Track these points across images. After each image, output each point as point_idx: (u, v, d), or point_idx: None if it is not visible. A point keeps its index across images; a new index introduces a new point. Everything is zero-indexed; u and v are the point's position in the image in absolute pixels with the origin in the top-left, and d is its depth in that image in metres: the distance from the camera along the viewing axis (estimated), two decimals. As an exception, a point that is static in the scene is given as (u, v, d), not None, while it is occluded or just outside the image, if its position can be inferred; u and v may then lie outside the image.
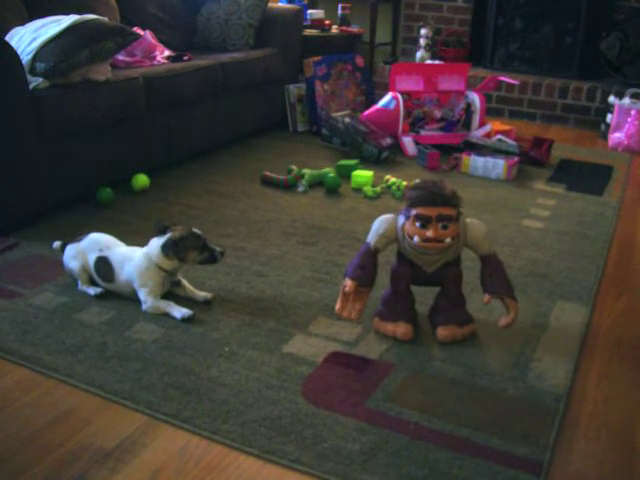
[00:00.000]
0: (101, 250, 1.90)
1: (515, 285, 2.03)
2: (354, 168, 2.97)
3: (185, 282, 1.92)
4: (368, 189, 2.79)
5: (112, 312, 1.82)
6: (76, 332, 1.72)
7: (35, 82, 2.33)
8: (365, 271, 1.67)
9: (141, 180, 2.72)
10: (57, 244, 2.02)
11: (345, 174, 2.98)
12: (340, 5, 4.71)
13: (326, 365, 1.61)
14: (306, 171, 2.91)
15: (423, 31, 4.51)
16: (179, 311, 1.79)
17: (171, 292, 1.90)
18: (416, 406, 1.47)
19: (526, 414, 1.45)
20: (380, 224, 1.69)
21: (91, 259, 1.90)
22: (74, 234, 2.29)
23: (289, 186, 2.85)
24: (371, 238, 1.70)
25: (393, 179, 2.89)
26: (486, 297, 1.66)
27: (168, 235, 1.82)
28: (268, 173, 2.91)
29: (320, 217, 2.55)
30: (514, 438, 1.37)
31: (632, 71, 4.11)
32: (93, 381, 1.53)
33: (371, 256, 1.69)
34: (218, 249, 1.87)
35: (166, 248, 1.80)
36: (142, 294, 1.82)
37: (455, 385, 1.55)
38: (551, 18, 4.33)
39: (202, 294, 1.90)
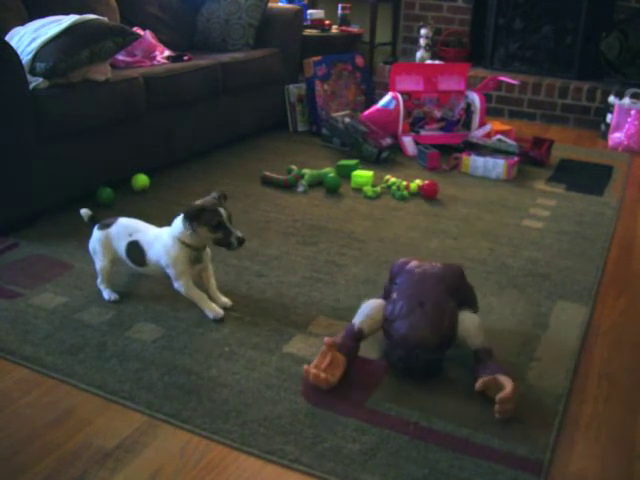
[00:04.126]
0: (131, 235, 1.86)
1: (515, 285, 2.04)
2: (354, 168, 2.97)
3: (213, 281, 1.88)
4: (368, 189, 2.79)
5: (112, 312, 1.82)
6: (76, 332, 1.72)
7: (35, 82, 2.33)
8: (344, 341, 1.57)
9: (141, 180, 2.72)
10: (86, 213, 1.94)
11: (345, 174, 2.98)
12: (340, 5, 4.72)
13: (326, 365, 1.61)
14: (306, 171, 2.91)
15: (423, 31, 4.51)
16: (212, 311, 1.79)
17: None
18: (416, 406, 1.47)
19: (526, 414, 1.45)
20: (367, 306, 1.64)
21: (122, 246, 1.86)
22: (74, 234, 2.30)
23: (289, 186, 2.85)
24: (356, 319, 1.62)
25: (393, 179, 2.89)
26: (478, 382, 1.46)
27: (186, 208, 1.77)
28: (268, 173, 2.91)
29: (320, 217, 2.55)
30: (514, 438, 1.37)
31: (632, 71, 4.11)
32: (93, 381, 1.53)
33: (353, 335, 1.58)
34: (237, 234, 1.73)
35: (183, 217, 1.76)
36: (172, 273, 1.80)
37: (455, 385, 1.55)
38: (551, 18, 4.33)
39: (223, 299, 1.87)
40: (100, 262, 1.89)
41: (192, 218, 1.74)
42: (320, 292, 1.97)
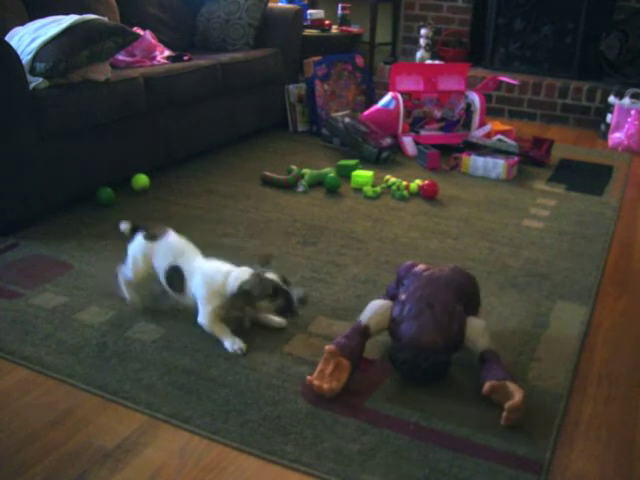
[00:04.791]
0: (175, 258, 1.74)
1: (515, 285, 2.04)
2: (354, 168, 2.97)
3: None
4: (368, 189, 2.79)
5: (112, 312, 1.82)
6: (76, 332, 1.72)
7: (35, 82, 2.33)
8: (349, 340, 1.53)
9: (141, 180, 2.72)
10: (126, 227, 1.83)
11: (345, 174, 2.98)
12: (340, 5, 4.71)
13: (326, 365, 1.61)
14: (306, 171, 2.91)
15: (423, 31, 4.51)
16: (231, 342, 1.66)
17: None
18: (416, 406, 1.47)
19: (526, 414, 1.44)
20: (374, 305, 1.63)
21: (162, 266, 1.76)
22: (74, 234, 2.30)
23: (289, 186, 2.85)
24: (363, 316, 1.61)
25: (393, 179, 2.89)
26: (486, 385, 1.43)
27: (239, 284, 1.63)
28: (268, 173, 2.91)
29: (320, 217, 2.55)
30: (514, 438, 1.37)
31: (632, 71, 4.10)
32: (93, 381, 1.53)
33: (359, 333, 1.56)
34: (298, 294, 1.63)
35: (236, 298, 1.64)
36: (202, 308, 1.70)
37: (455, 385, 1.55)
38: (551, 18, 4.33)
39: (278, 320, 1.76)
40: (136, 274, 1.80)
41: (249, 302, 1.65)
42: (320, 292, 1.97)
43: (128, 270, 1.82)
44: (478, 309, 1.72)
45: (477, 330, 1.57)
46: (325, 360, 1.50)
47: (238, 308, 1.72)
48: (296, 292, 1.65)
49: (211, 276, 1.69)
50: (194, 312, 1.72)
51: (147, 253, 1.78)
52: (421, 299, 1.58)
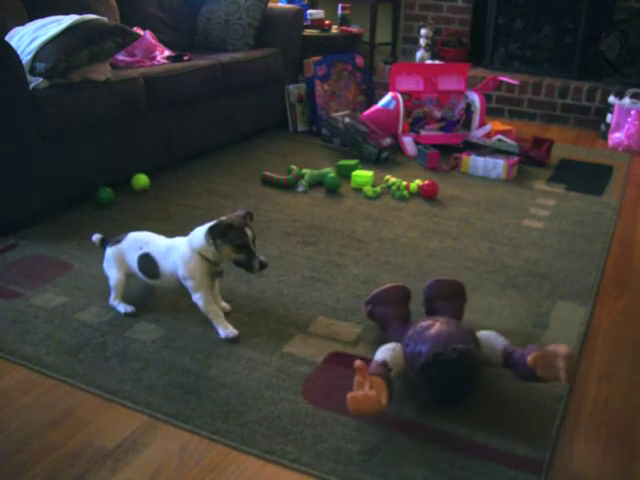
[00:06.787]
0: (141, 248, 1.82)
1: (515, 285, 2.04)
2: (354, 168, 2.97)
3: (217, 287, 1.83)
4: (368, 189, 2.79)
5: (112, 312, 1.82)
6: (76, 332, 1.72)
7: (35, 82, 2.33)
8: (376, 368, 1.42)
9: (141, 180, 2.72)
10: (97, 238, 1.93)
11: (345, 174, 2.98)
12: (340, 5, 4.71)
13: (326, 365, 1.61)
14: (306, 171, 2.91)
15: (423, 31, 4.51)
16: (224, 329, 1.71)
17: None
18: (416, 406, 1.47)
19: (526, 414, 1.45)
20: (382, 346, 1.53)
21: (133, 259, 1.82)
22: (74, 234, 2.30)
23: (289, 186, 2.85)
24: (376, 357, 1.49)
25: (393, 179, 2.89)
26: (529, 358, 1.39)
27: (212, 224, 1.69)
28: (268, 173, 2.91)
29: (320, 217, 2.55)
30: (514, 438, 1.37)
31: (632, 71, 4.10)
32: (93, 381, 1.53)
33: (380, 365, 1.44)
34: (260, 258, 1.68)
35: (209, 230, 1.68)
36: (190, 286, 1.74)
37: (455, 385, 1.55)
38: (551, 18, 4.33)
39: (222, 304, 1.84)
40: (114, 276, 1.84)
41: (218, 235, 1.68)
42: (320, 292, 1.97)
43: (111, 284, 1.86)
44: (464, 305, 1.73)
45: (490, 336, 1.53)
46: (358, 383, 1.33)
47: (214, 263, 1.74)
48: (260, 257, 1.69)
49: (180, 250, 1.76)
50: (174, 294, 1.82)
51: (118, 256, 1.86)
52: (424, 326, 1.51)
